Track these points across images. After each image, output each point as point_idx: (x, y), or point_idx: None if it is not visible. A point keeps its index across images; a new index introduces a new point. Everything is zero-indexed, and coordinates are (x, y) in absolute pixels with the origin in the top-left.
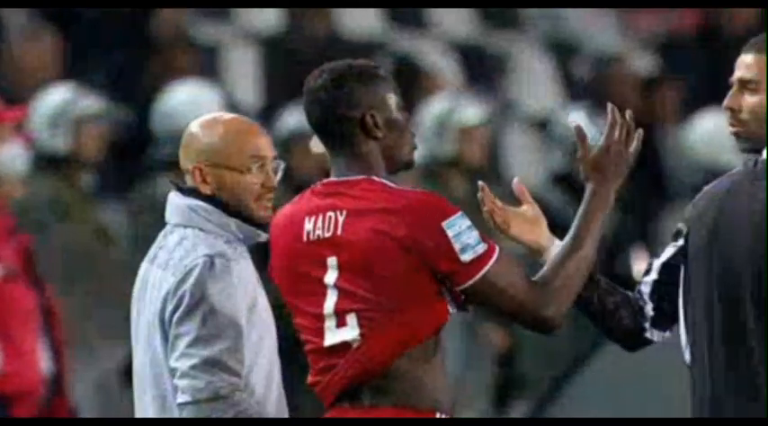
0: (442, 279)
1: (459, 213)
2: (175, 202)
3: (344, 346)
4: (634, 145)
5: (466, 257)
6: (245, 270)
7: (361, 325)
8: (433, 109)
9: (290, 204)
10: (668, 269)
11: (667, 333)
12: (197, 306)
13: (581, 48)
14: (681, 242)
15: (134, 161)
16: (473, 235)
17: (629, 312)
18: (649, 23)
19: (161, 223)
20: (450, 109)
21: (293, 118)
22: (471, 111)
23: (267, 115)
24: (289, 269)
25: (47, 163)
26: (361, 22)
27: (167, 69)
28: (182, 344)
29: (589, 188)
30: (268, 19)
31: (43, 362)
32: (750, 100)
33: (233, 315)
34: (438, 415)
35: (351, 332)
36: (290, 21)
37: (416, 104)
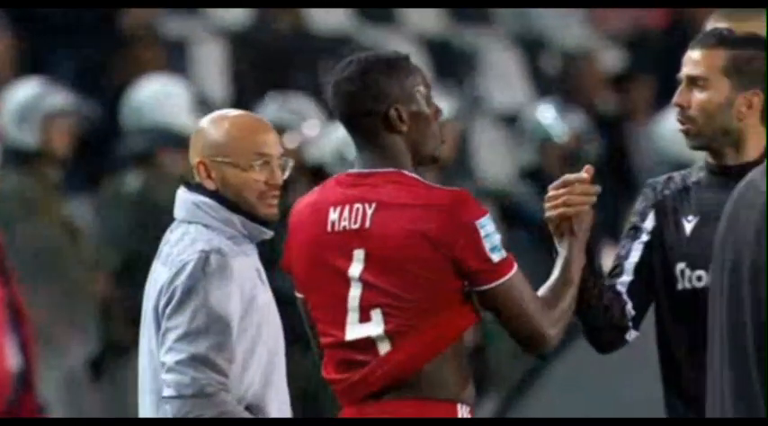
0: (465, 277)
1: (488, 214)
2: (182, 198)
3: (367, 342)
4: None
5: (495, 257)
6: (244, 267)
7: (386, 322)
8: None
9: (311, 194)
10: (642, 268)
11: (637, 333)
12: (188, 301)
13: (550, 44)
14: (645, 237)
15: (102, 156)
16: (498, 239)
17: (618, 310)
18: (618, 19)
19: (129, 218)
20: None
21: (266, 112)
22: (440, 107)
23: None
24: (310, 258)
25: (15, 158)
26: (329, 18)
27: (136, 64)
28: (171, 338)
29: (564, 244)
30: (236, 14)
31: (11, 358)
32: (699, 96)
33: (224, 313)
34: (459, 407)
35: (375, 328)
36: (258, 16)
37: None
